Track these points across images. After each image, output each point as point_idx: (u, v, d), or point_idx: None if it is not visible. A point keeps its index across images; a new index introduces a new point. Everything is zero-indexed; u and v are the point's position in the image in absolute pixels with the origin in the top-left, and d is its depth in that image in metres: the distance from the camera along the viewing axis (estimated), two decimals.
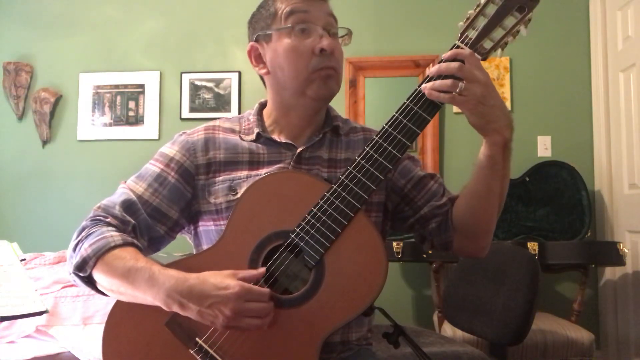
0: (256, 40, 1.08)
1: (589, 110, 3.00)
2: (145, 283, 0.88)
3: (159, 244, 1.06)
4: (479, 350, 1.88)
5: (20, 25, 3.36)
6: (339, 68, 1.04)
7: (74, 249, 0.96)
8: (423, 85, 0.91)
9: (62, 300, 1.88)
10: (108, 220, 0.99)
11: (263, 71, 1.09)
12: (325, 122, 1.11)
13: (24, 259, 2.08)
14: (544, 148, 2.99)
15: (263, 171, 1.03)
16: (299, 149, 1.05)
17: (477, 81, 0.87)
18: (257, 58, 1.09)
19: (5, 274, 1.38)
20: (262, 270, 0.89)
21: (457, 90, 0.87)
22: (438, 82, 0.89)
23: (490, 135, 0.93)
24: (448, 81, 0.88)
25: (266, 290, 0.86)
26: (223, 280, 0.85)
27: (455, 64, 0.88)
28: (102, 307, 1.86)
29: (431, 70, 0.91)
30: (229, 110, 3.17)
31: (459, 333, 2.15)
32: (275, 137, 1.07)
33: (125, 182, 1.07)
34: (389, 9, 3.15)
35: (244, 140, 1.07)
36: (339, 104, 3.06)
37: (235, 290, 0.84)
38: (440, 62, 0.91)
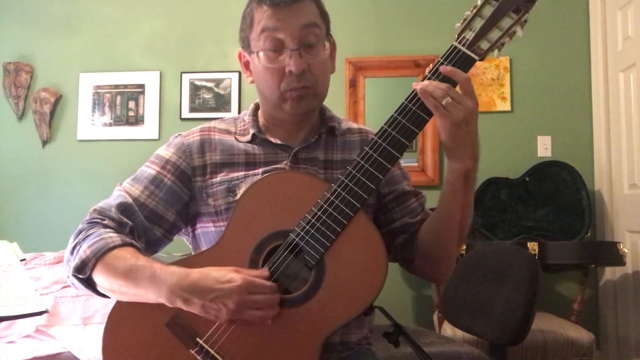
0: (243, 47, 1.08)
1: (589, 110, 3.00)
2: (147, 281, 0.88)
3: (156, 246, 1.06)
4: (479, 350, 1.88)
5: (20, 25, 3.35)
6: (315, 83, 1.02)
7: (72, 252, 0.95)
8: (417, 83, 0.91)
9: (62, 300, 1.88)
10: (105, 222, 0.98)
11: (250, 79, 1.09)
12: (321, 123, 1.11)
13: (24, 259, 2.08)
14: (544, 148, 2.99)
15: (260, 171, 1.03)
16: (295, 149, 1.05)
17: (464, 105, 0.88)
18: (246, 64, 1.09)
19: (5, 274, 1.38)
20: (265, 272, 0.89)
21: (443, 102, 0.88)
22: (435, 83, 0.89)
23: (453, 160, 0.94)
24: (443, 85, 0.88)
25: (269, 282, 0.87)
26: (226, 274, 0.86)
27: (464, 76, 0.89)
28: (102, 307, 1.86)
29: (443, 68, 0.91)
30: (229, 110, 3.17)
31: (459, 333, 2.15)
32: (271, 138, 1.07)
33: (121, 184, 1.06)
34: (389, 9, 3.15)
35: (239, 142, 1.07)
36: (339, 104, 3.06)
37: (239, 283, 0.84)
38: (438, 63, 0.92)
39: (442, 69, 0.91)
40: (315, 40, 1.01)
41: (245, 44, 1.05)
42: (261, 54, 1.00)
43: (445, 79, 0.90)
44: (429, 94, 0.89)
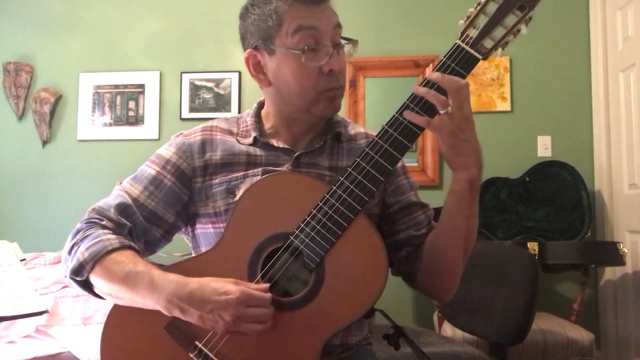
0: (255, 48, 1.02)
1: (589, 110, 2.99)
2: (145, 288, 0.87)
3: (155, 247, 1.06)
4: (479, 350, 1.88)
5: (20, 25, 3.35)
6: (344, 85, 1.03)
7: (69, 252, 0.95)
8: (418, 88, 0.89)
9: (62, 300, 1.88)
10: (103, 223, 0.97)
11: (264, 83, 1.04)
12: (327, 128, 1.09)
13: (24, 259, 2.08)
14: (544, 148, 2.99)
15: (260, 171, 1.02)
16: (297, 153, 1.04)
17: (461, 112, 0.86)
18: (256, 66, 1.03)
19: (5, 274, 1.37)
20: (265, 286, 0.88)
21: (443, 111, 0.86)
22: (433, 93, 0.87)
23: (457, 170, 0.92)
24: (441, 98, 0.86)
25: (267, 295, 0.86)
26: (224, 286, 0.85)
27: (457, 84, 0.86)
28: (102, 307, 1.86)
29: (432, 75, 0.89)
30: (229, 110, 3.16)
31: (459, 333, 2.15)
32: (274, 142, 1.06)
33: (121, 183, 1.05)
34: (389, 9, 3.15)
35: (241, 144, 1.06)
36: None
37: (236, 296, 0.83)
38: (441, 62, 0.90)
39: (431, 77, 0.88)
40: (340, 41, 1.01)
41: (266, 43, 0.99)
42: (296, 56, 0.96)
43: (452, 74, 0.88)
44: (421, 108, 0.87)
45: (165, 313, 0.87)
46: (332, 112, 1.03)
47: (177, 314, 0.86)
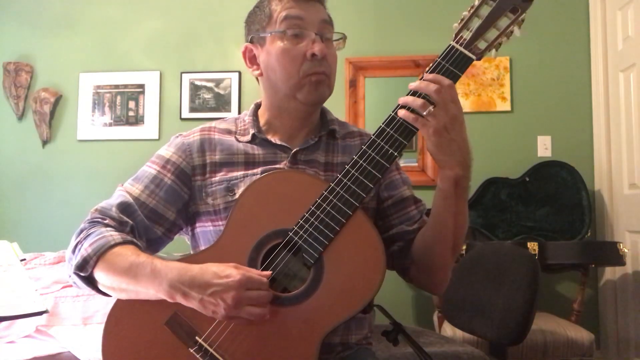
0: (251, 42, 1.10)
1: (589, 110, 3.00)
2: (148, 276, 0.89)
3: (157, 245, 1.07)
4: (479, 350, 1.88)
5: (20, 25, 3.36)
6: (330, 73, 1.05)
7: (73, 251, 0.96)
8: (400, 98, 0.91)
9: (62, 300, 1.88)
10: (106, 221, 0.99)
11: (256, 72, 1.10)
12: (322, 126, 1.12)
13: (24, 259, 2.08)
14: (544, 148, 2.99)
15: (259, 171, 1.04)
16: (294, 150, 1.06)
17: (446, 111, 0.87)
18: (251, 59, 1.11)
19: (5, 274, 1.38)
20: (267, 273, 0.89)
21: (425, 112, 0.88)
22: (410, 99, 0.89)
23: (442, 168, 0.93)
24: (419, 101, 0.88)
25: (266, 279, 0.87)
26: (225, 269, 0.86)
27: (433, 87, 0.88)
28: (102, 307, 1.86)
29: (411, 84, 0.91)
30: (229, 110, 3.17)
31: (459, 333, 2.15)
32: (270, 138, 1.08)
33: (122, 184, 1.07)
34: (389, 9, 3.15)
35: (239, 142, 1.08)
36: (339, 104, 3.06)
37: (237, 278, 0.84)
38: (435, 63, 0.92)
39: (410, 86, 0.91)
40: (330, 36, 1.07)
41: (258, 36, 1.07)
42: (281, 41, 1.03)
43: (446, 73, 0.90)
44: (409, 110, 0.89)
45: (168, 299, 0.89)
46: (316, 98, 1.05)
47: (179, 299, 0.88)
